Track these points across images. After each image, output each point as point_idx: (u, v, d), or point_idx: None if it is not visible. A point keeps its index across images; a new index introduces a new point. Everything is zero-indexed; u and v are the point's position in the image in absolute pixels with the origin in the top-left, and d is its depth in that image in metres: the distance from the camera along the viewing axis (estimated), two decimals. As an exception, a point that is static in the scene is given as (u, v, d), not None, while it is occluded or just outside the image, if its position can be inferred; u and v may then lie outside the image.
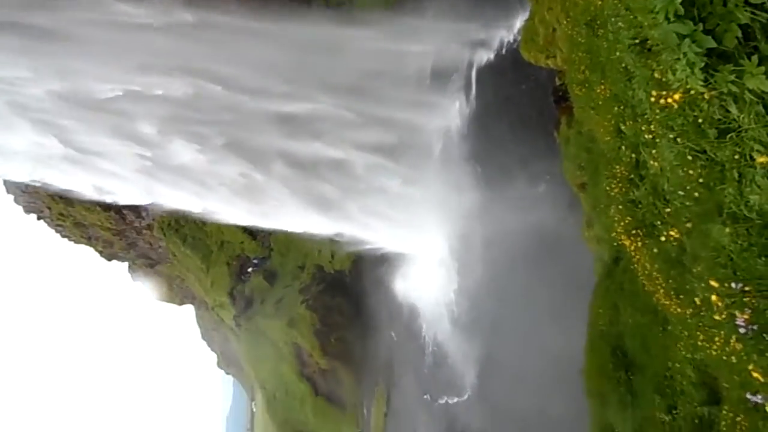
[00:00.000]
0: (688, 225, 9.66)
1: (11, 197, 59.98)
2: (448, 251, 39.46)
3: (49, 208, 60.94)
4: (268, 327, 60.00)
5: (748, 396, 10.42)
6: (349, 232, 44.84)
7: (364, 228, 43.83)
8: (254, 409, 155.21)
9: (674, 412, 15.28)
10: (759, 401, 10.02)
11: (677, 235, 10.32)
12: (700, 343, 11.42)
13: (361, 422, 58.59)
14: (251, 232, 55.21)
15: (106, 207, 58.68)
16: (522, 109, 30.77)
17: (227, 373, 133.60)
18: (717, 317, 9.40)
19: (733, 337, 9.42)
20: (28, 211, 61.93)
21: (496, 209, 32.40)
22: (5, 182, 55.06)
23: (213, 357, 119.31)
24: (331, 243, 48.37)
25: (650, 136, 10.26)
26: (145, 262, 78.67)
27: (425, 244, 42.13)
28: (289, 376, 62.12)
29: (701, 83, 6.17)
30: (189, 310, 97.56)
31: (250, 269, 58.40)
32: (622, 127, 13.15)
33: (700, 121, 6.88)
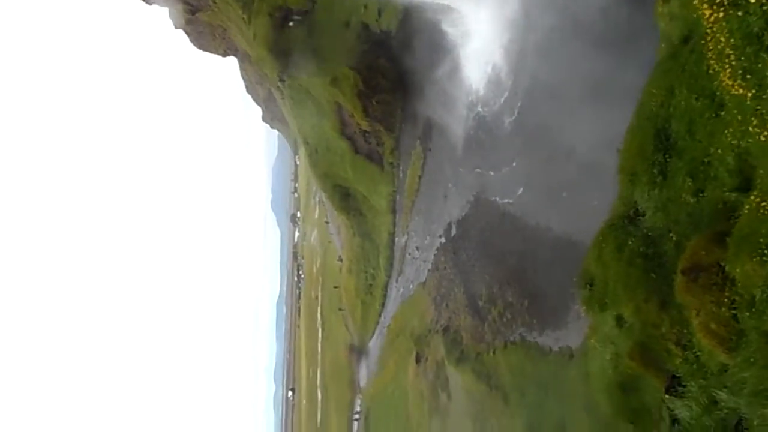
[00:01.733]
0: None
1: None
2: (504, 12, 36.68)
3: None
4: (311, 84, 60.21)
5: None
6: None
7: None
8: (297, 162, 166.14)
9: (701, 195, 15.68)
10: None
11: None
12: (750, 129, 11.07)
13: (396, 182, 62.44)
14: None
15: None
16: None
17: (272, 128, 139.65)
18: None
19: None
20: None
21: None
22: None
23: (258, 111, 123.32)
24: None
25: None
26: (185, 8, 76.23)
27: (477, 8, 39.11)
28: (331, 134, 64.49)
29: None
30: (233, 62, 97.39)
31: (291, 23, 56.13)
32: None
33: None
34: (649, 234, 17.62)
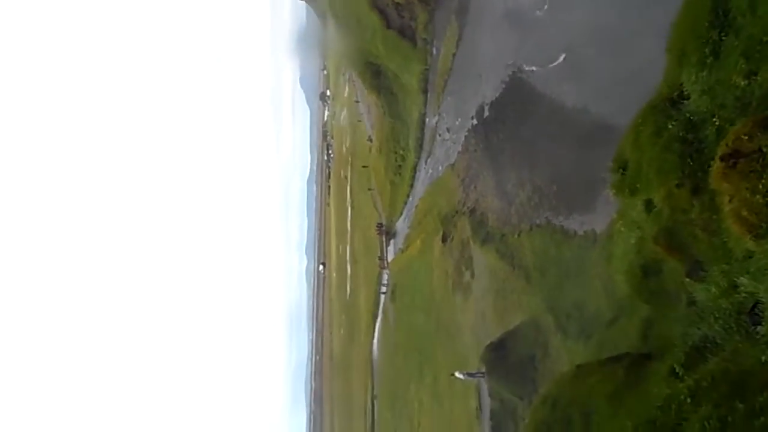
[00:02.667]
0: None
1: None
2: None
3: None
4: (341, -50, 56.19)
5: None
6: None
7: None
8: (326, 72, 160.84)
9: (753, 77, 14.76)
10: None
11: None
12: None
13: (429, 60, 60.07)
14: None
15: None
16: None
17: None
18: None
19: None
20: None
21: None
22: None
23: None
24: None
25: None
26: None
27: None
28: (361, 6, 61.29)
29: None
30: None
31: None
32: None
33: None
34: (692, 118, 16.93)
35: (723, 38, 16.12)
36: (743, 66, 15.07)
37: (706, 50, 16.57)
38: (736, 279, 14.34)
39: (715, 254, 15.18)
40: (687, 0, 17.76)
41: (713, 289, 14.84)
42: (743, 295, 14.15)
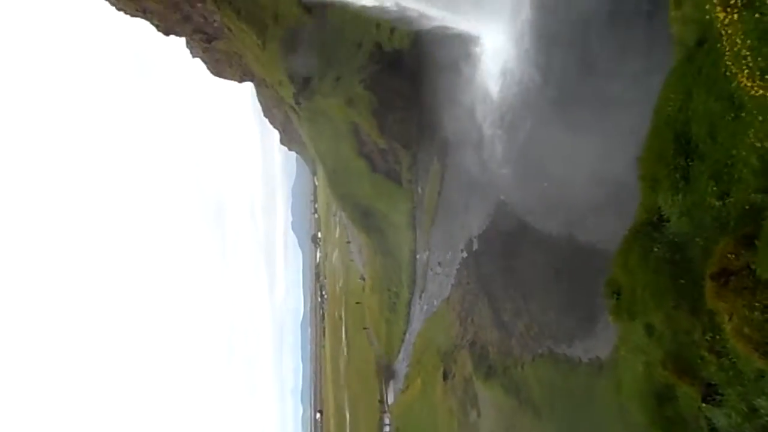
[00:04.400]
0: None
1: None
2: (510, 34, 36.99)
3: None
4: (327, 106, 60.94)
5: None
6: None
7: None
8: (316, 183, 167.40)
9: (726, 198, 15.44)
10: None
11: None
12: (773, 129, 10.92)
13: (416, 198, 62.57)
14: (306, 5, 52.62)
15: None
16: None
17: (290, 149, 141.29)
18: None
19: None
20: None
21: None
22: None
23: (276, 134, 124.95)
24: (391, 18, 45.93)
25: None
26: (201, 37, 78.02)
27: (489, 24, 39.48)
28: (348, 153, 65.03)
29: None
30: (249, 87, 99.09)
31: (304, 45, 57.02)
32: None
33: None
34: (675, 240, 17.37)
35: (690, 163, 17.13)
36: (714, 188, 15.85)
37: (677, 175, 17.52)
38: (753, 401, 13.74)
39: (726, 376, 14.68)
40: (652, 130, 19.16)
41: (733, 415, 14.13)
42: (765, 418, 13.47)
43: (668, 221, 17.74)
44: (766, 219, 12.92)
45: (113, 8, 65.66)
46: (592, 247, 29.20)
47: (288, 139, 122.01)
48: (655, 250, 17.40)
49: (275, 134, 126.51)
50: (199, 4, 61.51)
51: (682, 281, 16.54)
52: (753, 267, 12.51)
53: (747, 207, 14.50)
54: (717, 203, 15.72)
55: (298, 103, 63.66)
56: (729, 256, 13.14)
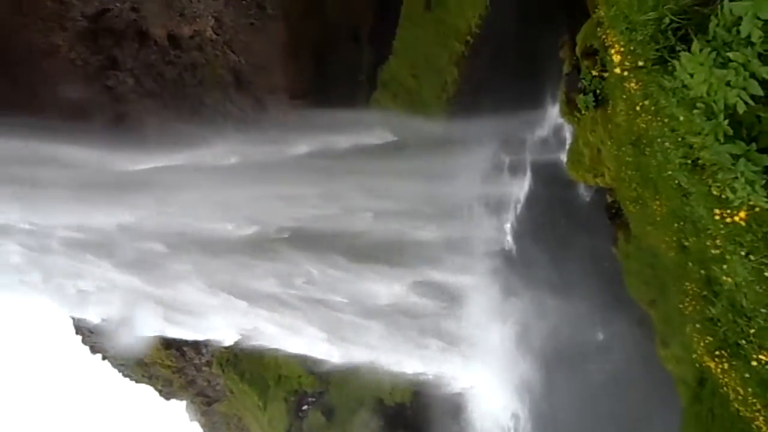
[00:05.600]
0: (779, 345, 8.89)
1: (79, 337, 62.11)
2: (510, 392, 38.14)
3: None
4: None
5: None
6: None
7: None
8: None
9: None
10: None
11: (768, 358, 9.48)
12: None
13: None
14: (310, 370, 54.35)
15: (168, 344, 59.66)
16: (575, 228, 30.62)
17: None
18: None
19: None
20: (94, 351, 63.61)
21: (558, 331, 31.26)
22: (76, 322, 57.46)
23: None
24: (391, 374, 47.00)
25: (718, 252, 9.88)
26: (203, 400, 77.68)
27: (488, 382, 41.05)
28: None
29: (765, 200, 6.06)
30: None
31: (306, 406, 56.52)
32: (686, 243, 12.76)
33: (770, 236, 6.63)
34: None
35: None
36: None
37: None
38: None
39: None
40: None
41: None
42: None
43: None
44: None
45: (120, 375, 67.32)
46: None
47: None
48: None
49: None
50: (204, 369, 63.54)
51: None
52: None
53: None
54: None
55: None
56: None
